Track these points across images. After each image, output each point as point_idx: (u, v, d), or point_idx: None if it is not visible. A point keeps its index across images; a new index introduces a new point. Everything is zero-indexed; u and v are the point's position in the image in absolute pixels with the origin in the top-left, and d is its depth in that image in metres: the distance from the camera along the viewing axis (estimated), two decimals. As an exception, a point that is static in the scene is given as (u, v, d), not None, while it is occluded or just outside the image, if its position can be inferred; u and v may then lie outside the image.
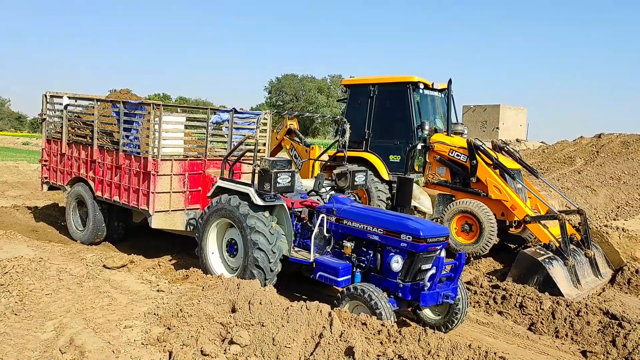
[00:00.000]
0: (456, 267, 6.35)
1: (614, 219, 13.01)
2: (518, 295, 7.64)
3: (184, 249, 9.58)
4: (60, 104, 10.26)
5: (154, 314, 5.13)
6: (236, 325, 4.27)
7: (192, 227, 8.79)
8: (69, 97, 10.15)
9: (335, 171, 7.90)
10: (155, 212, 8.42)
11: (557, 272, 8.14)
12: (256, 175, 7.08)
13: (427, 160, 10.37)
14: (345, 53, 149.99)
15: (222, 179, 7.65)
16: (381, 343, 3.86)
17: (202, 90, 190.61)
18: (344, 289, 6.20)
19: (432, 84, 10.65)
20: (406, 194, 7.05)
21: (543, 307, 7.35)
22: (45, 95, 10.61)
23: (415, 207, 9.92)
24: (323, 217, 6.97)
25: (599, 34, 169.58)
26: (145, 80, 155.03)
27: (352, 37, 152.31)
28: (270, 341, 3.96)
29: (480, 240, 9.15)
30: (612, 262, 9.45)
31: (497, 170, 9.57)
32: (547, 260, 8.21)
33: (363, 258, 6.67)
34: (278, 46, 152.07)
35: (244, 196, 7.23)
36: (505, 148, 10.37)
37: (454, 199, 9.87)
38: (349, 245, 6.74)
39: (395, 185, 10.42)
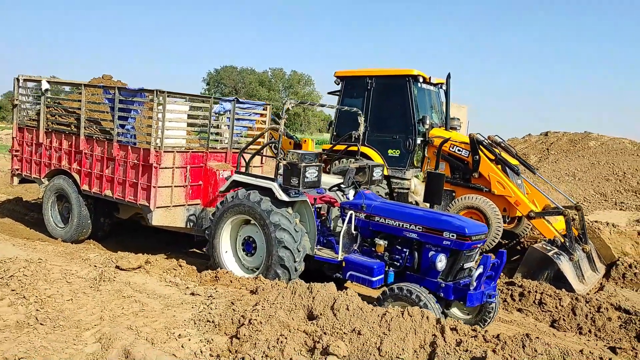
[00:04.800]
0: (497, 266, 6.22)
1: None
2: (536, 292, 7.63)
3: (172, 245, 9.05)
4: (36, 88, 9.36)
5: (208, 321, 4.66)
6: (324, 333, 3.89)
7: (192, 224, 8.26)
8: (48, 82, 9.25)
9: (352, 165, 7.60)
10: (157, 207, 7.83)
11: (566, 267, 8.22)
12: (280, 169, 6.68)
13: (426, 155, 10.23)
14: (285, 46, 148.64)
15: (238, 172, 7.18)
16: (494, 351, 3.61)
17: (138, 78, 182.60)
18: (387, 289, 5.93)
19: (430, 78, 10.53)
20: (436, 190, 6.85)
21: (562, 304, 7.37)
22: (18, 79, 9.59)
23: (416, 202, 9.80)
24: (351, 214, 6.67)
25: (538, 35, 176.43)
26: (83, 66, 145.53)
27: (291, 31, 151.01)
28: (376, 352, 3.62)
29: (487, 236, 9.09)
30: (603, 257, 9.66)
31: (499, 166, 9.56)
32: (555, 255, 8.28)
33: (397, 257, 6.42)
34: (217, 38, 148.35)
35: (264, 191, 6.81)
36: (502, 144, 10.37)
37: (454, 194, 9.79)
38: (381, 243, 6.47)
39: (393, 180, 10.26)
